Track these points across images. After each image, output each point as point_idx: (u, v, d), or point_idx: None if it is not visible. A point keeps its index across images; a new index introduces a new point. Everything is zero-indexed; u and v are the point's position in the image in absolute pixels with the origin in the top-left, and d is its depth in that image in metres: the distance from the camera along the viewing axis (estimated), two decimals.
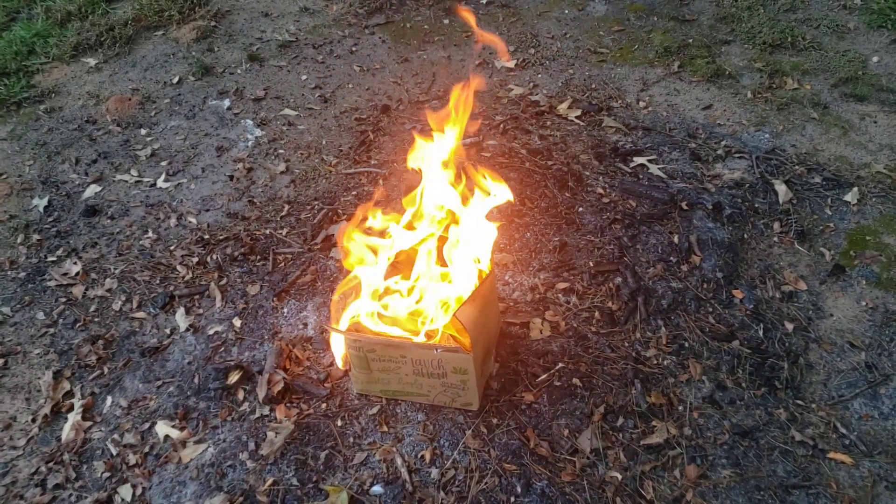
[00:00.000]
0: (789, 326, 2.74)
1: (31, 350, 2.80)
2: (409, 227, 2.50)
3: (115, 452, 2.43)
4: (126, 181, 3.58)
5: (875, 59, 4.20)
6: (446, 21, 4.81)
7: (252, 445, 2.40)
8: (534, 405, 2.47)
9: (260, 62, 4.47)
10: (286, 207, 3.37)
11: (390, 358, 2.31)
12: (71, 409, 2.57)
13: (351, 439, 2.40)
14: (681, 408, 2.47)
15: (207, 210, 3.39)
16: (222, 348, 2.75)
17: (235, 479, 2.32)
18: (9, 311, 2.95)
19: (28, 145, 3.83)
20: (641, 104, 3.97)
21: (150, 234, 3.26)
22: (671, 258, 2.99)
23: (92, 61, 4.49)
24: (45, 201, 3.45)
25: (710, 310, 2.80)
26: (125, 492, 2.31)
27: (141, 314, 2.90)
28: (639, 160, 3.51)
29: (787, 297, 2.86)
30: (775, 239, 3.10)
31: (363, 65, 4.40)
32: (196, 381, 2.62)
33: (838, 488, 2.25)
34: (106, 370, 2.71)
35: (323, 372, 2.62)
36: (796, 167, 3.45)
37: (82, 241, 3.24)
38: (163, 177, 3.59)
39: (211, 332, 2.81)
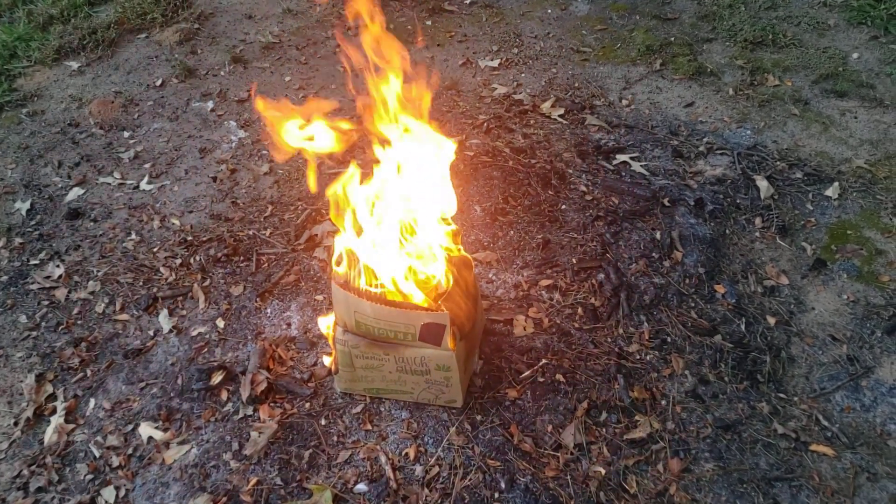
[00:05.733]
0: (771, 320, 2.76)
1: (14, 353, 2.78)
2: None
3: (98, 454, 2.42)
4: (109, 184, 3.56)
5: (855, 55, 4.23)
6: (429, 22, 4.82)
7: (236, 445, 2.39)
8: (517, 401, 2.48)
9: (243, 64, 4.46)
10: (270, 208, 3.36)
11: (374, 355, 2.31)
12: (54, 411, 2.56)
13: (335, 438, 2.40)
14: (664, 402, 2.48)
15: (191, 211, 3.38)
16: (206, 349, 2.74)
17: (219, 480, 2.31)
18: None
19: (10, 149, 3.82)
20: (624, 102, 3.99)
21: (134, 236, 3.25)
22: (653, 254, 3.00)
23: (74, 64, 4.47)
24: (27, 204, 3.43)
25: (693, 305, 2.81)
26: (108, 494, 2.30)
27: (124, 316, 2.89)
28: (621, 158, 3.53)
29: (768, 291, 2.88)
30: (757, 234, 3.12)
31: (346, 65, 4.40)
32: (179, 382, 2.62)
33: (821, 480, 2.26)
34: (89, 372, 2.69)
35: (307, 371, 2.62)
36: (777, 163, 3.48)
37: (65, 244, 3.23)
38: (146, 179, 3.58)
39: (194, 333, 2.81)
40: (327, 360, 2.56)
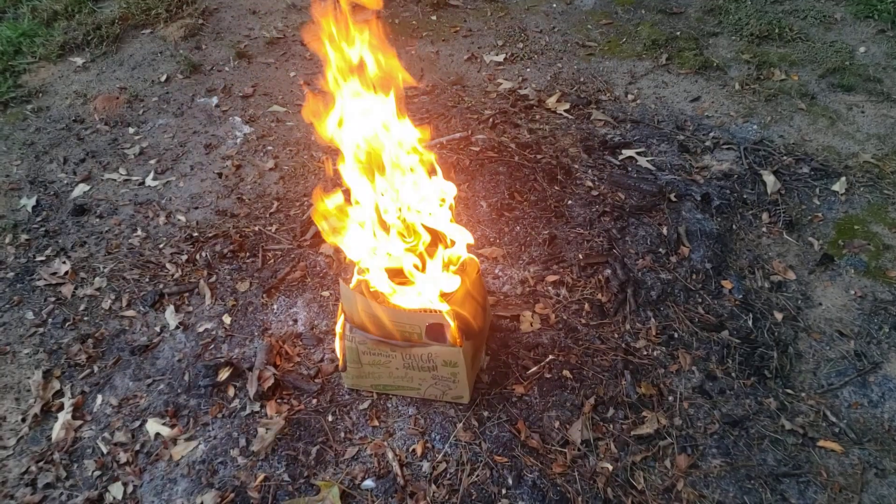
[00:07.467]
0: (778, 316, 2.75)
1: (21, 350, 2.78)
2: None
3: (105, 451, 2.42)
4: (114, 180, 3.56)
5: (862, 49, 4.21)
6: (434, 17, 4.80)
7: (243, 442, 2.40)
8: (524, 397, 2.47)
9: (248, 59, 4.45)
10: (275, 204, 3.36)
11: (381, 352, 2.31)
12: (61, 408, 2.56)
13: (342, 434, 2.40)
14: (671, 398, 2.48)
15: (196, 208, 3.38)
16: (212, 345, 2.74)
17: (227, 476, 2.31)
18: None
19: (15, 145, 3.82)
20: (630, 97, 3.98)
21: (139, 232, 3.25)
22: (660, 250, 3.00)
23: (79, 60, 4.47)
24: (33, 201, 3.43)
25: (700, 300, 2.80)
26: (116, 490, 2.31)
27: (130, 312, 2.89)
28: (627, 153, 3.52)
29: (775, 286, 2.87)
30: (764, 229, 3.11)
31: None
32: (186, 378, 2.62)
33: (828, 476, 2.26)
34: (96, 369, 2.70)
35: (313, 368, 2.62)
36: (784, 158, 3.46)
37: (71, 241, 3.23)
38: (151, 175, 3.58)
39: (201, 329, 2.81)
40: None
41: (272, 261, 3.08)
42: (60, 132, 3.91)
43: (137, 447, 2.43)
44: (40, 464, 2.40)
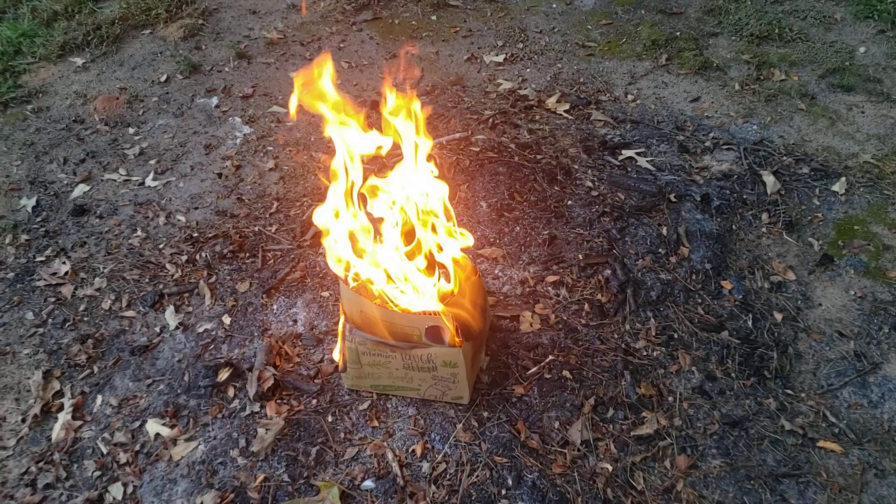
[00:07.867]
0: (778, 316, 2.75)
1: (21, 350, 2.78)
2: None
3: (105, 451, 2.42)
4: (114, 180, 3.56)
5: (862, 49, 4.21)
6: (434, 17, 4.80)
7: (243, 442, 2.40)
8: (524, 398, 2.47)
9: (248, 60, 4.45)
10: (275, 204, 3.36)
11: (380, 352, 2.31)
12: (61, 408, 2.56)
13: (342, 435, 2.40)
14: (671, 398, 2.48)
15: (196, 208, 3.38)
16: (212, 346, 2.74)
17: (226, 476, 2.31)
18: None
19: (15, 145, 3.82)
20: (629, 97, 3.98)
21: (139, 232, 3.25)
22: (660, 250, 3.00)
23: (79, 61, 4.47)
24: (33, 201, 3.43)
25: (699, 301, 2.81)
26: (116, 490, 2.31)
27: (130, 313, 2.89)
28: (627, 153, 3.52)
29: (775, 287, 2.87)
30: (763, 230, 3.11)
31: (351, 61, 4.39)
32: (186, 378, 2.62)
33: (828, 476, 2.26)
34: (96, 369, 2.70)
35: (313, 368, 2.62)
36: (784, 158, 3.46)
37: (71, 241, 3.23)
38: (151, 175, 3.58)
39: (200, 329, 2.81)
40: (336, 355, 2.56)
41: (272, 261, 3.08)
42: (60, 132, 3.91)
43: (137, 447, 2.43)
44: (40, 464, 2.40)
